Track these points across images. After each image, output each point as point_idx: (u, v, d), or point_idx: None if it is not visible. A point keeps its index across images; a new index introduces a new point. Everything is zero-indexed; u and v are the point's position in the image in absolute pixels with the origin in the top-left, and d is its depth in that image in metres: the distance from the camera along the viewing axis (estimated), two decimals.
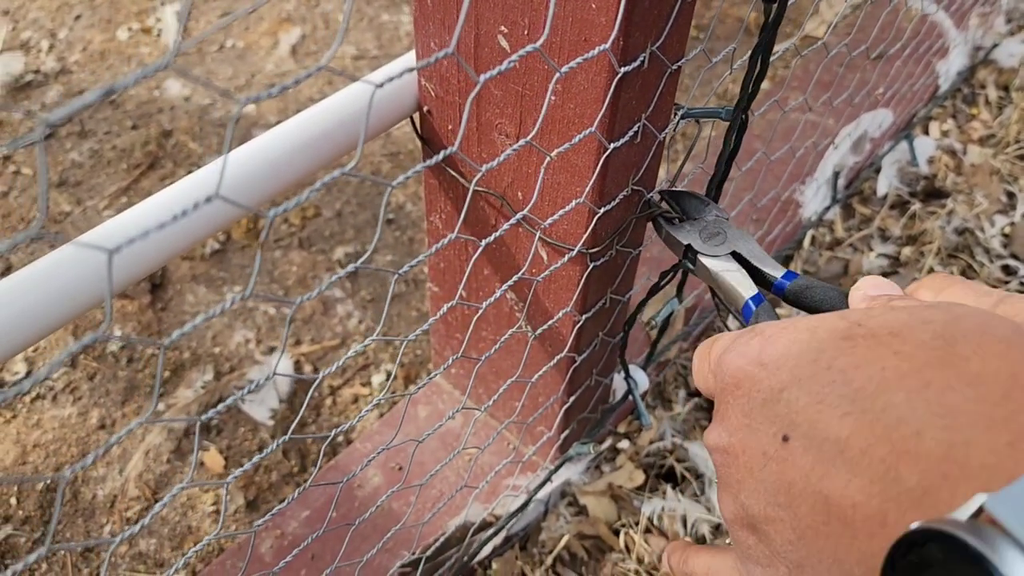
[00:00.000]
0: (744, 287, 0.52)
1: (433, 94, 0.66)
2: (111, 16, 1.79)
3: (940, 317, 0.31)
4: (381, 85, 0.34)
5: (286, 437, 0.47)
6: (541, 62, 0.55)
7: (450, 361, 0.54)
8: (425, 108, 0.68)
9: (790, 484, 0.32)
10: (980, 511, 0.24)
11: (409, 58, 0.67)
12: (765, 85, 1.67)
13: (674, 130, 0.65)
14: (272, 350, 1.21)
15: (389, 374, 1.20)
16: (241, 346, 1.21)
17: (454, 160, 0.69)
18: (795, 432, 0.32)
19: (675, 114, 0.63)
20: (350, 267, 0.40)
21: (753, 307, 0.51)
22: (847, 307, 0.45)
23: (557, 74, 0.44)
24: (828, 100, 1.28)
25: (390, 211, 1.40)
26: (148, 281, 1.26)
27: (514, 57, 0.41)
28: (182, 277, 1.28)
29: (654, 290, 0.77)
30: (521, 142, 0.47)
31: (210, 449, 1.11)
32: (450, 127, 0.67)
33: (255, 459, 0.49)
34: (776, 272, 0.51)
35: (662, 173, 0.70)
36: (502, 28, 0.56)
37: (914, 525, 0.26)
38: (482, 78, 0.40)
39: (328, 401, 1.17)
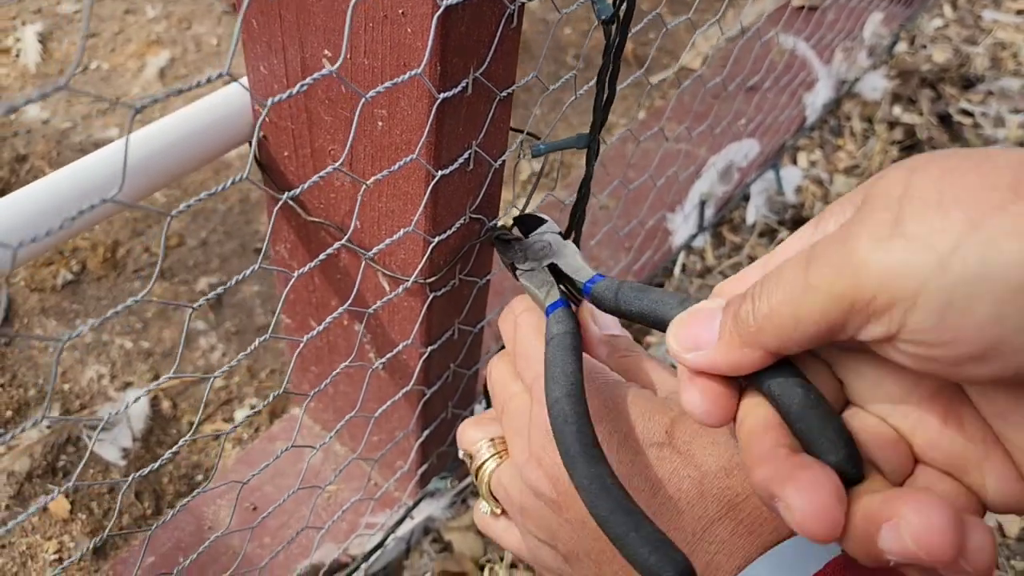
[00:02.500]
0: (549, 297, 0.51)
1: (268, 119, 0.64)
2: None
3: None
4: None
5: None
6: (365, 87, 0.54)
7: (271, 396, 0.51)
8: (262, 134, 0.66)
9: None
10: None
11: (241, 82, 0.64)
12: (642, 115, 1.70)
13: (518, 159, 0.64)
14: (128, 385, 1.15)
15: (253, 408, 1.16)
16: (93, 382, 1.14)
17: (291, 187, 0.67)
18: None
19: (521, 146, 0.62)
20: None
21: (549, 314, 0.50)
22: (657, 305, 0.42)
23: (363, 99, 0.43)
24: (694, 130, 1.31)
25: (259, 239, 1.35)
26: None
27: (308, 80, 0.39)
28: (30, 310, 1.20)
29: None
30: (329, 168, 0.45)
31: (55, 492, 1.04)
32: (286, 153, 0.65)
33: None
34: (583, 277, 0.51)
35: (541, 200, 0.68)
36: (326, 52, 0.54)
37: None
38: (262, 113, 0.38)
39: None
